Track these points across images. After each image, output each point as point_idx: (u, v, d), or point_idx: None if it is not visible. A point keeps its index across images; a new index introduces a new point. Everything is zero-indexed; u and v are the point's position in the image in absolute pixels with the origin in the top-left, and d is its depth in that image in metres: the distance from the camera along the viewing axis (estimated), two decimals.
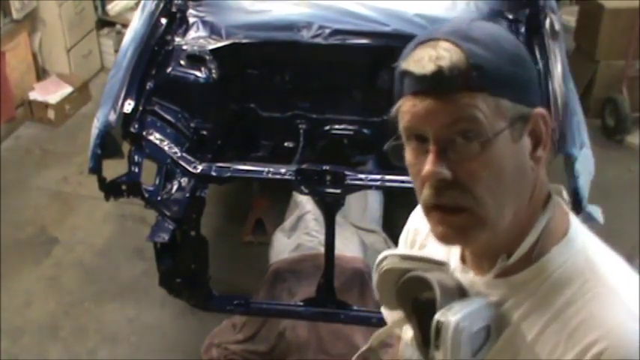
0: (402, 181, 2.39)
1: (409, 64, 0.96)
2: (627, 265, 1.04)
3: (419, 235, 1.21)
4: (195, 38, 3.10)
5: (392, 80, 1.02)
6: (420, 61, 0.95)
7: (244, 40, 3.08)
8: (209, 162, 2.73)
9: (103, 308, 3.37)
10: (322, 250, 2.69)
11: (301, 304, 2.75)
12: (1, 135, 4.41)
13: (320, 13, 3.15)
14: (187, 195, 2.70)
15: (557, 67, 2.74)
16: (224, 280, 3.20)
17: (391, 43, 2.95)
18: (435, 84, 0.94)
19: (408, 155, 1.00)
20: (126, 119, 2.67)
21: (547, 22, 2.93)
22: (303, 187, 2.53)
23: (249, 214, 3.72)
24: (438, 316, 0.99)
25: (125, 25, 4.13)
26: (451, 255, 1.11)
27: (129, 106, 2.69)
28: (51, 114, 4.55)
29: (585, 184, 2.49)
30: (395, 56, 1.02)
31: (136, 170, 2.64)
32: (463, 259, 1.09)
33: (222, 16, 3.18)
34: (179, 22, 3.13)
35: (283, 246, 3.17)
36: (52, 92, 4.57)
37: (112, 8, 5.02)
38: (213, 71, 3.02)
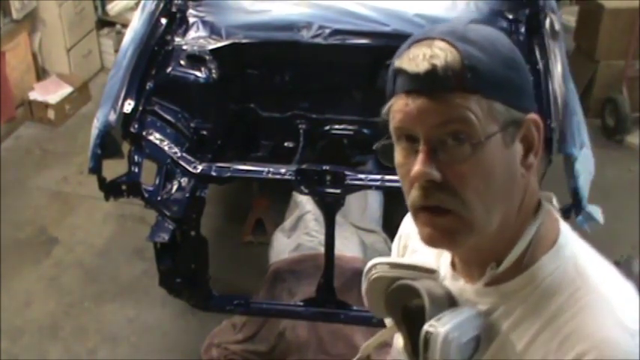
0: None
1: (403, 62, 0.95)
2: (617, 273, 1.02)
3: (410, 239, 1.19)
4: (195, 38, 3.10)
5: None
6: (415, 59, 0.94)
7: (244, 40, 3.08)
8: (209, 162, 2.73)
9: (103, 308, 3.36)
10: (322, 250, 2.68)
11: (301, 304, 2.75)
12: (1, 135, 4.41)
13: (320, 13, 3.15)
14: (187, 195, 2.70)
15: (557, 67, 2.74)
16: (224, 280, 3.20)
17: (391, 43, 2.92)
18: (429, 83, 0.93)
19: (398, 155, 0.99)
20: (126, 119, 2.67)
21: (547, 22, 2.93)
22: (303, 187, 2.53)
23: (249, 214, 3.72)
24: (426, 327, 0.98)
25: (125, 25, 4.13)
26: (441, 261, 1.10)
27: (129, 106, 2.69)
28: (51, 114, 4.55)
29: (585, 184, 2.50)
30: None
31: (136, 170, 2.64)
32: (454, 266, 1.08)
33: (222, 16, 3.18)
34: (179, 22, 3.13)
35: (283, 246, 3.17)
36: (52, 92, 4.57)
37: (112, 8, 5.02)
38: (213, 71, 3.02)
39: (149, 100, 2.82)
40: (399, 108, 0.96)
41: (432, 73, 0.92)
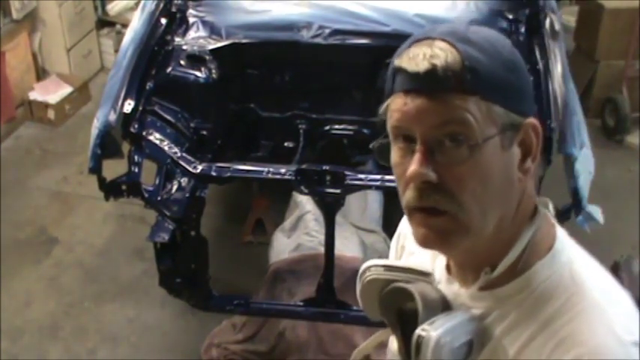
0: None
1: (403, 61, 0.94)
2: (613, 279, 1.02)
3: (407, 240, 1.18)
4: (195, 38, 3.10)
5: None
6: (414, 58, 0.93)
7: (244, 40, 3.08)
8: (209, 162, 2.73)
9: (103, 308, 3.36)
10: (322, 250, 2.68)
11: (301, 304, 2.75)
12: (1, 135, 4.41)
13: (320, 13, 3.15)
14: (187, 195, 2.70)
15: (557, 67, 2.74)
16: (224, 280, 3.20)
17: (391, 43, 2.91)
18: (428, 82, 0.92)
19: (394, 155, 0.98)
20: (126, 119, 2.67)
21: (547, 22, 2.93)
22: (303, 187, 2.53)
23: (249, 214, 3.72)
24: (418, 331, 0.97)
25: (125, 25, 4.13)
26: (436, 264, 1.09)
27: (129, 106, 2.69)
28: (51, 114, 4.55)
29: (585, 184, 2.49)
30: None
31: (136, 170, 2.64)
32: (449, 269, 1.07)
33: (222, 16, 3.18)
34: (179, 22, 3.13)
35: (283, 246, 3.17)
36: (52, 92, 4.57)
37: (112, 8, 5.02)
38: (213, 71, 3.02)
39: (149, 100, 2.82)
40: (397, 107, 0.95)
41: (432, 72, 0.92)
